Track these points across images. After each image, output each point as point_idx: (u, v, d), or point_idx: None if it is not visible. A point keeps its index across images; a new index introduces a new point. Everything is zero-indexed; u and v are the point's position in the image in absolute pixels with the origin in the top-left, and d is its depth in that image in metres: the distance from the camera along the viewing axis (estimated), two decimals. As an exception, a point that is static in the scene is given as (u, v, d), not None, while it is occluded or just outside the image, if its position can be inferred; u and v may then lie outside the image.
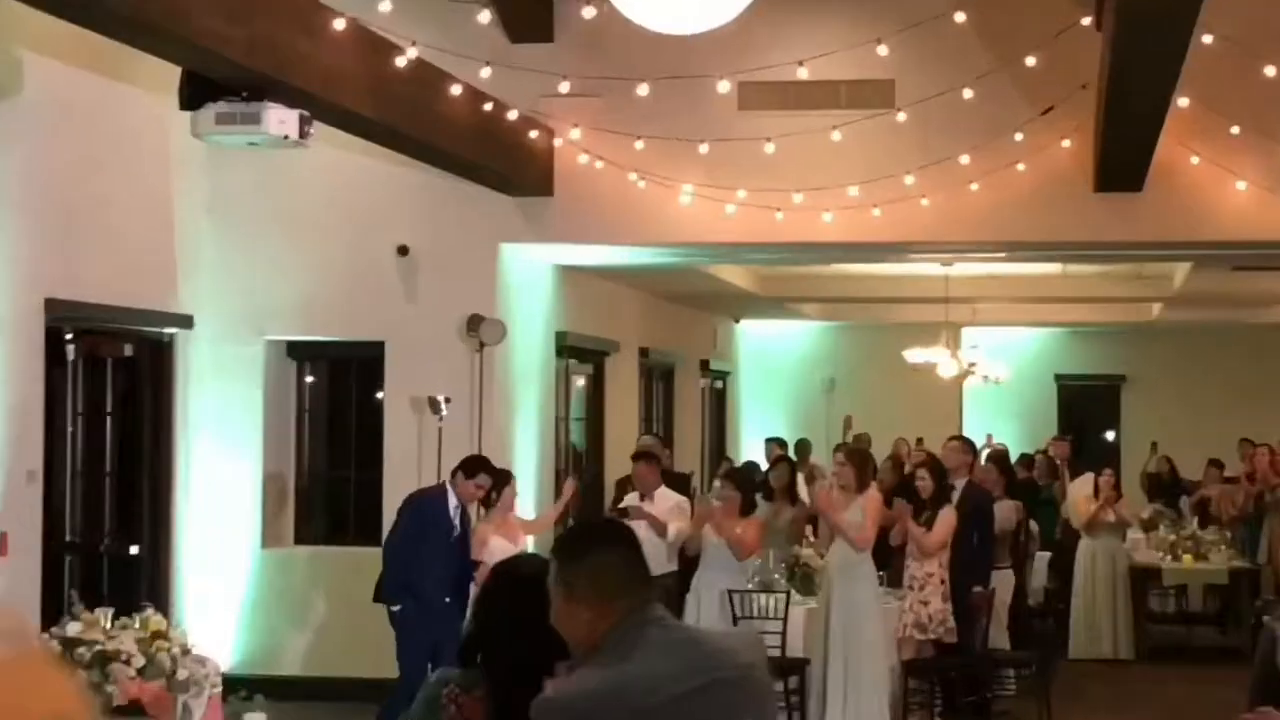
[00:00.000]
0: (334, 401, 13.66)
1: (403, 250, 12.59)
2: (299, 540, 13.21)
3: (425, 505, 10.56)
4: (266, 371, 12.99)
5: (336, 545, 13.05)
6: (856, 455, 11.82)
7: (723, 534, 11.03)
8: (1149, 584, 15.47)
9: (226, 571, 12.68)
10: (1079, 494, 15.49)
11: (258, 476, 12.88)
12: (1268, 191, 11.56)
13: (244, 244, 12.73)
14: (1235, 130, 11.47)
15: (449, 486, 10.55)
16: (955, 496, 11.68)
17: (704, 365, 21.18)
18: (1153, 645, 15.06)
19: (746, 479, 12.52)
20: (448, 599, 10.20)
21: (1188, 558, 15.37)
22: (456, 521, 10.49)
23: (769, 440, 18.01)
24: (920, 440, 17.94)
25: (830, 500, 11.05)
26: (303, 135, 8.67)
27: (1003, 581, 12.47)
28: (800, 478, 14.76)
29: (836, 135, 11.71)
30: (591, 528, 3.85)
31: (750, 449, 21.70)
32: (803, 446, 19.50)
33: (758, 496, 12.38)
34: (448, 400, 12.10)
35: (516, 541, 10.94)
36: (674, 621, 3.64)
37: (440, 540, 10.35)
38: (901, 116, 11.75)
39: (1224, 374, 23.79)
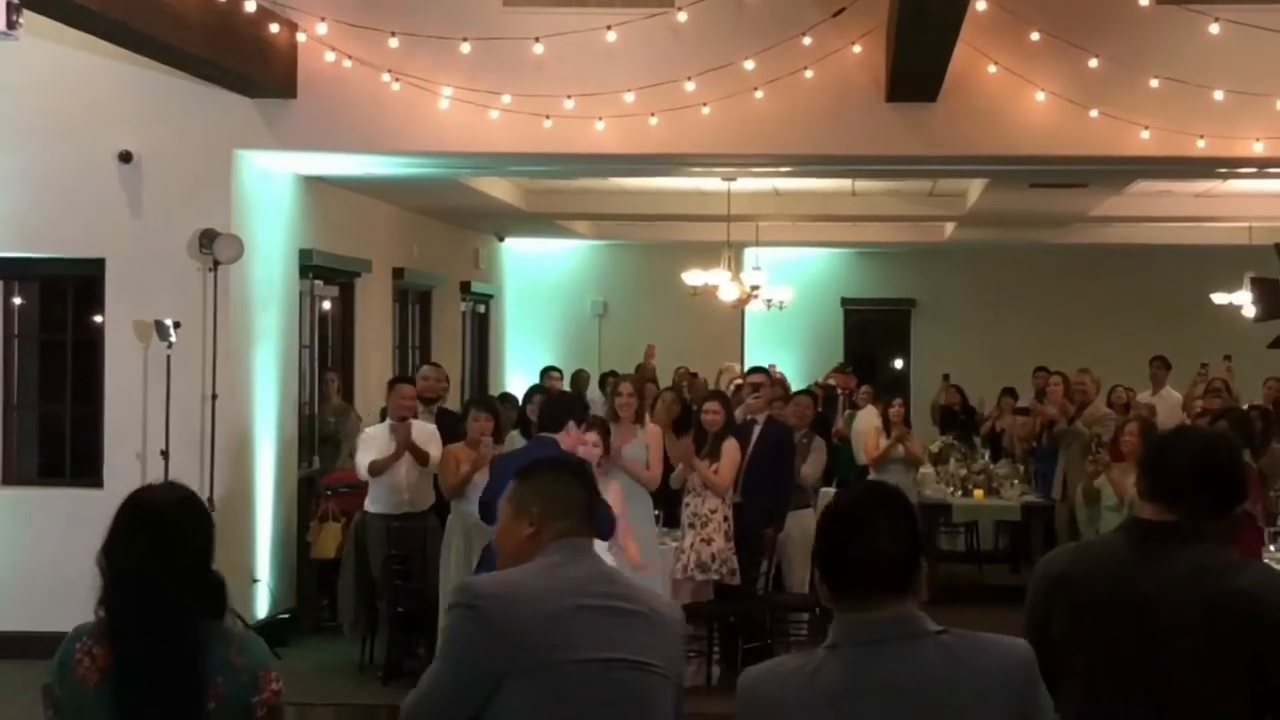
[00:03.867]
0: (47, 326, 13.28)
1: (125, 157, 12.26)
2: (6, 480, 12.83)
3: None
4: (-32, 292, 12.59)
5: (50, 487, 12.74)
6: (641, 386, 11.92)
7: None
8: (938, 521, 15.83)
9: (-76, 517, 12.27)
10: (866, 427, 15.78)
11: (-41, 411, 12.49)
12: (1069, 103, 11.82)
13: (-59, 148, 12.29)
14: (1035, 37, 11.70)
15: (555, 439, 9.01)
16: (755, 433, 11.89)
17: (465, 288, 21.07)
18: (941, 585, 15.38)
19: (494, 405, 12.50)
20: None
21: (978, 493, 15.76)
22: None
23: (546, 369, 18.04)
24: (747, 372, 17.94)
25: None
26: (11, 26, 8.34)
27: (806, 521, 12.69)
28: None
29: (611, 36, 11.66)
30: (550, 456, 4.77)
31: (515, 380, 21.69)
32: (579, 378, 19.57)
33: (516, 432, 12.37)
34: (177, 325, 11.83)
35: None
36: (599, 556, 4.23)
37: None
38: (682, 16, 11.76)
39: (1020, 298, 24.44)
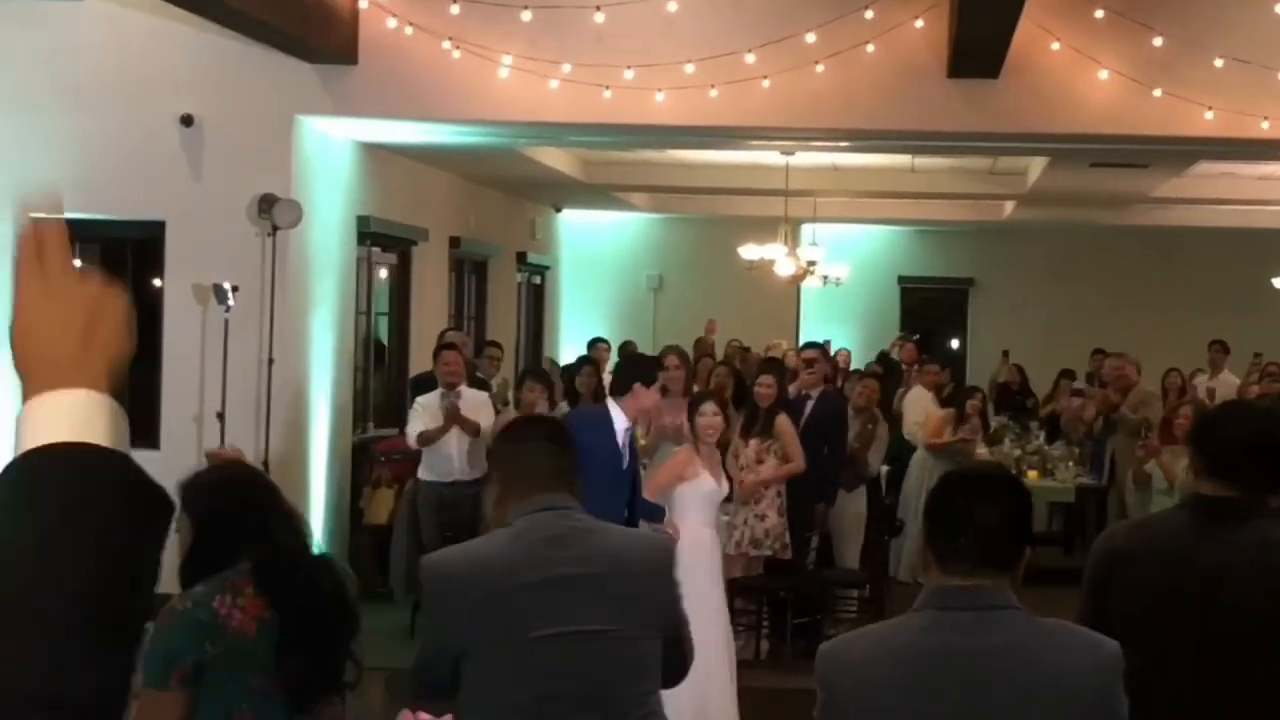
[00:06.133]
0: (107, 288, 13.32)
1: (187, 120, 12.31)
2: (65, 442, 12.92)
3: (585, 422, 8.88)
4: (30, 253, 12.61)
5: (109, 449, 12.80)
6: (688, 358, 11.90)
7: None
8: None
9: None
10: (927, 409, 15.61)
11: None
12: (1132, 81, 11.73)
13: (5, 110, 12.36)
14: (1099, 15, 11.61)
15: (612, 403, 8.86)
16: (808, 408, 11.88)
17: (521, 258, 21.09)
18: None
19: (547, 376, 12.52)
20: None
21: (1033, 474, 15.65)
22: (626, 449, 8.72)
23: (594, 341, 18.05)
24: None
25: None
26: (73, -14, 8.43)
27: (857, 499, 12.67)
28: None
29: (672, 6, 11.64)
30: (529, 420, 4.86)
31: (569, 351, 21.72)
32: (626, 350, 19.52)
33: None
34: (235, 289, 11.89)
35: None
36: (574, 513, 4.13)
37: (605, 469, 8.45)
38: (743, -12, 11.73)
39: (1078, 279, 24.29)
